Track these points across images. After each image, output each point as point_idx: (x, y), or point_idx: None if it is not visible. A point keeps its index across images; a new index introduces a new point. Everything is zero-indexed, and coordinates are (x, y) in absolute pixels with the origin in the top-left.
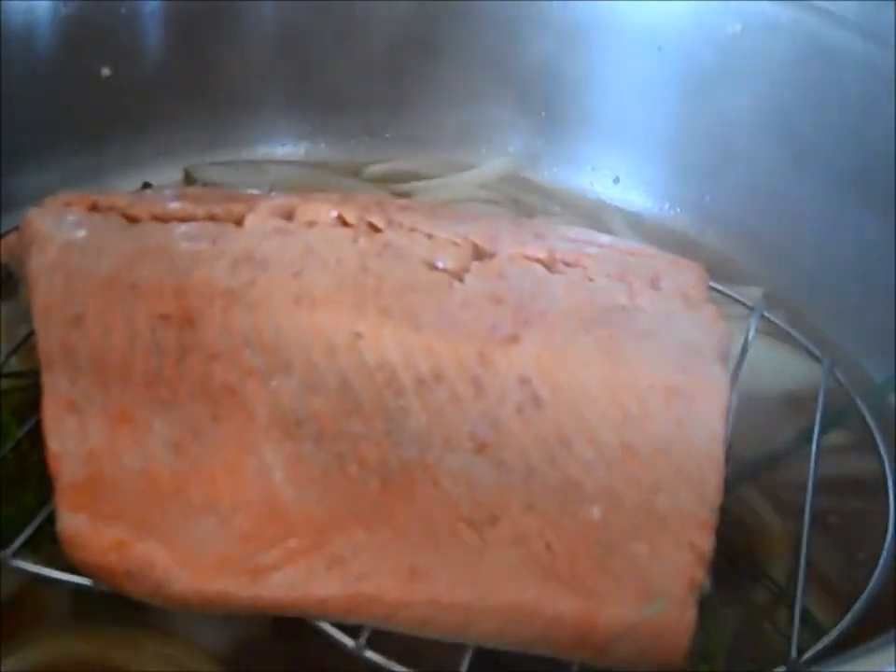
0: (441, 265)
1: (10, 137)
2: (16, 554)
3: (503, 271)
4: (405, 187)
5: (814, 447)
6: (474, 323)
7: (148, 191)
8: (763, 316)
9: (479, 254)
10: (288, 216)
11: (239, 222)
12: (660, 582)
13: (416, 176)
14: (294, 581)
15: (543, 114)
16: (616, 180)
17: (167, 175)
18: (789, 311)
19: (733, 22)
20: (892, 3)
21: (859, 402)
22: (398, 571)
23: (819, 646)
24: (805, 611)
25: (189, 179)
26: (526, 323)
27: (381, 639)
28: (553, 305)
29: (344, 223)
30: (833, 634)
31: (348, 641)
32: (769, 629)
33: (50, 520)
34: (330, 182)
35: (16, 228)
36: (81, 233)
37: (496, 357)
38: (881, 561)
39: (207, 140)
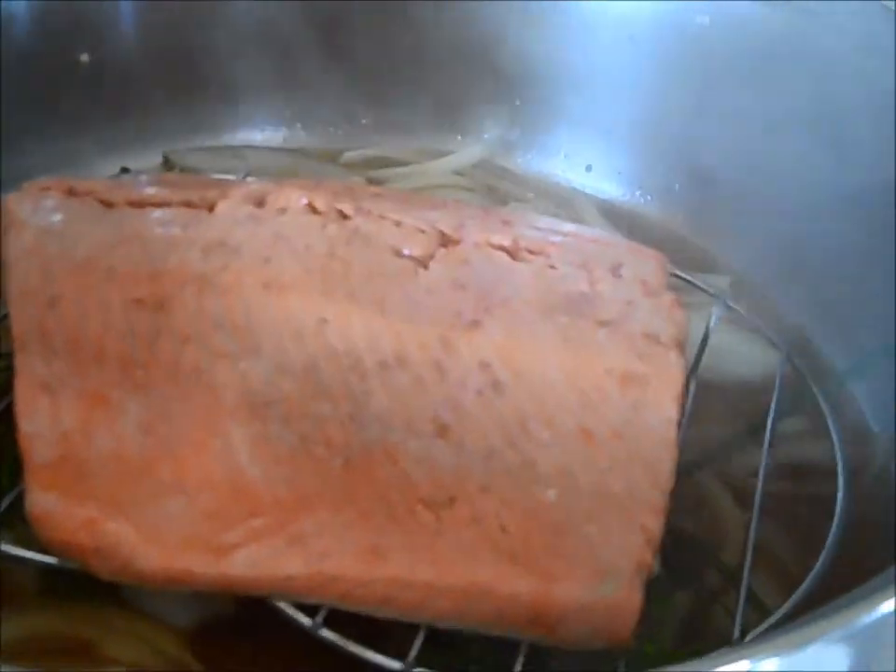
0: (407, 252)
1: None
2: None
3: (468, 258)
4: (382, 173)
5: (767, 433)
6: (438, 309)
7: (125, 177)
8: (726, 305)
9: (445, 241)
10: (260, 202)
11: (212, 208)
12: (610, 563)
13: (393, 163)
14: (257, 559)
15: (518, 102)
16: (588, 168)
17: (146, 159)
18: (756, 298)
19: (702, 14)
20: None
21: (815, 390)
22: (359, 551)
23: (763, 626)
24: (751, 593)
25: (168, 164)
26: (488, 309)
27: (338, 621)
28: (515, 292)
29: (315, 210)
30: (778, 614)
31: (305, 620)
32: (719, 612)
33: (21, 500)
34: (308, 168)
35: None
36: (58, 218)
37: (458, 342)
38: (826, 543)
39: (186, 126)
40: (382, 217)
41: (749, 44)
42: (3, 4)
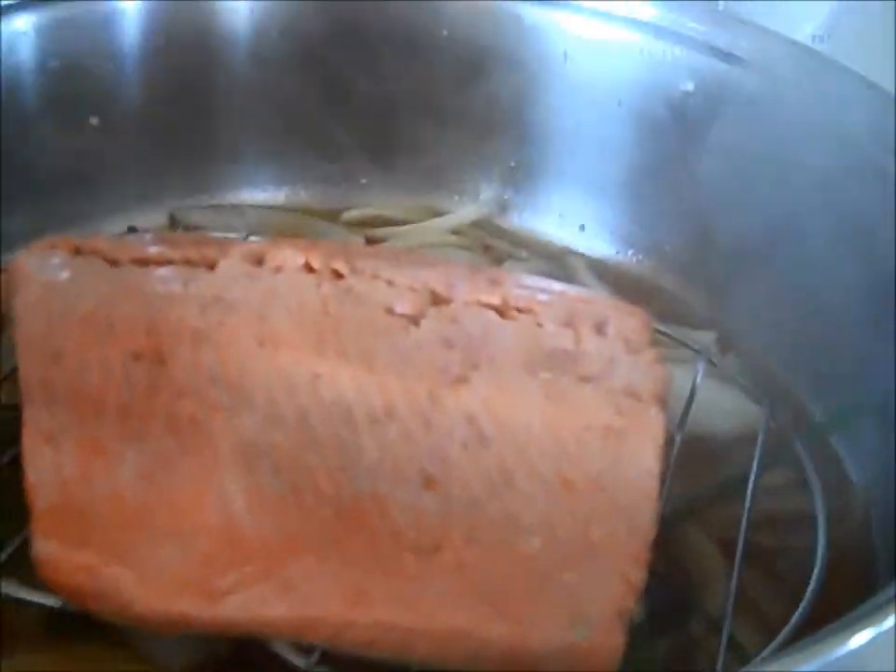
0: (398, 310)
1: (2, 182)
2: None
3: (457, 316)
4: (381, 231)
5: (750, 486)
6: (426, 365)
7: (131, 236)
8: (710, 361)
9: (436, 300)
10: (258, 261)
11: (212, 266)
12: (589, 609)
13: (392, 222)
14: (247, 603)
15: (512, 163)
16: (581, 227)
17: (153, 218)
18: (742, 354)
19: (685, 81)
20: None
21: (797, 444)
22: (343, 596)
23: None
24: (733, 639)
25: (173, 223)
26: (475, 366)
27: (333, 660)
28: (502, 349)
29: (310, 269)
30: (757, 660)
31: (299, 660)
32: (702, 658)
33: (26, 545)
34: (309, 226)
35: (2, 269)
36: (64, 275)
37: (445, 396)
38: (807, 592)
39: (191, 185)
40: (375, 277)
41: (730, 110)
42: (15, 71)
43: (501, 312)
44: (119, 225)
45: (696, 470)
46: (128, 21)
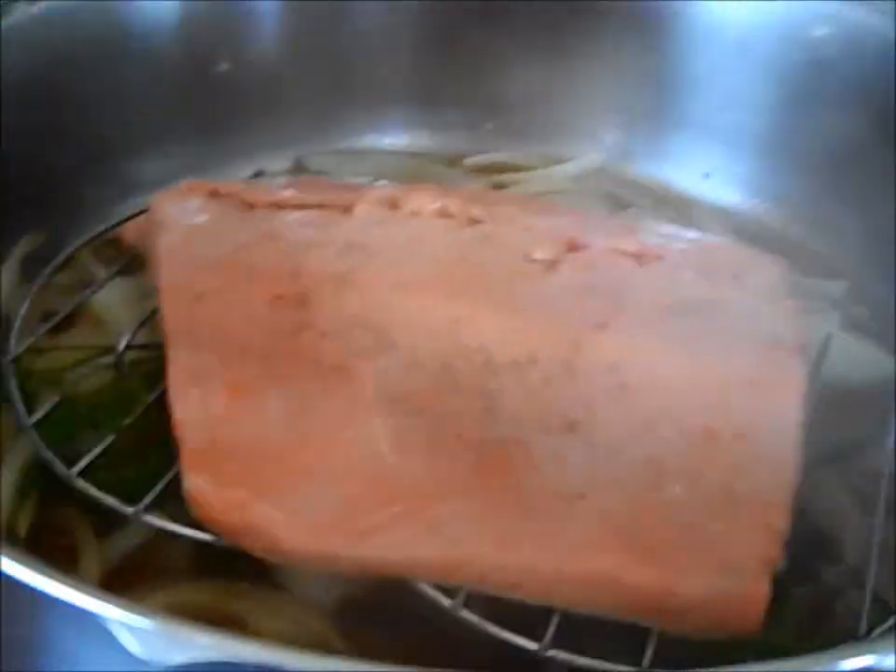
0: (537, 256)
1: (135, 126)
2: (145, 510)
3: (595, 262)
4: (504, 178)
5: (892, 437)
6: (567, 311)
7: (262, 179)
8: (845, 310)
9: (572, 246)
10: (393, 205)
11: (347, 210)
12: (736, 558)
13: (514, 168)
14: (396, 543)
15: (636, 110)
16: (706, 175)
17: (279, 162)
18: (873, 304)
19: (821, 25)
20: None
21: None
22: (491, 538)
23: (889, 623)
24: (875, 592)
25: (298, 167)
26: (616, 312)
27: (477, 602)
28: (640, 296)
29: (446, 214)
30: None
31: (445, 601)
32: (841, 608)
33: (174, 480)
34: (432, 171)
35: (142, 211)
36: (203, 218)
37: (586, 343)
38: None
39: (316, 130)
40: (511, 222)
41: (869, 58)
42: (151, 16)
43: (638, 259)
44: (245, 170)
45: (831, 421)
46: None
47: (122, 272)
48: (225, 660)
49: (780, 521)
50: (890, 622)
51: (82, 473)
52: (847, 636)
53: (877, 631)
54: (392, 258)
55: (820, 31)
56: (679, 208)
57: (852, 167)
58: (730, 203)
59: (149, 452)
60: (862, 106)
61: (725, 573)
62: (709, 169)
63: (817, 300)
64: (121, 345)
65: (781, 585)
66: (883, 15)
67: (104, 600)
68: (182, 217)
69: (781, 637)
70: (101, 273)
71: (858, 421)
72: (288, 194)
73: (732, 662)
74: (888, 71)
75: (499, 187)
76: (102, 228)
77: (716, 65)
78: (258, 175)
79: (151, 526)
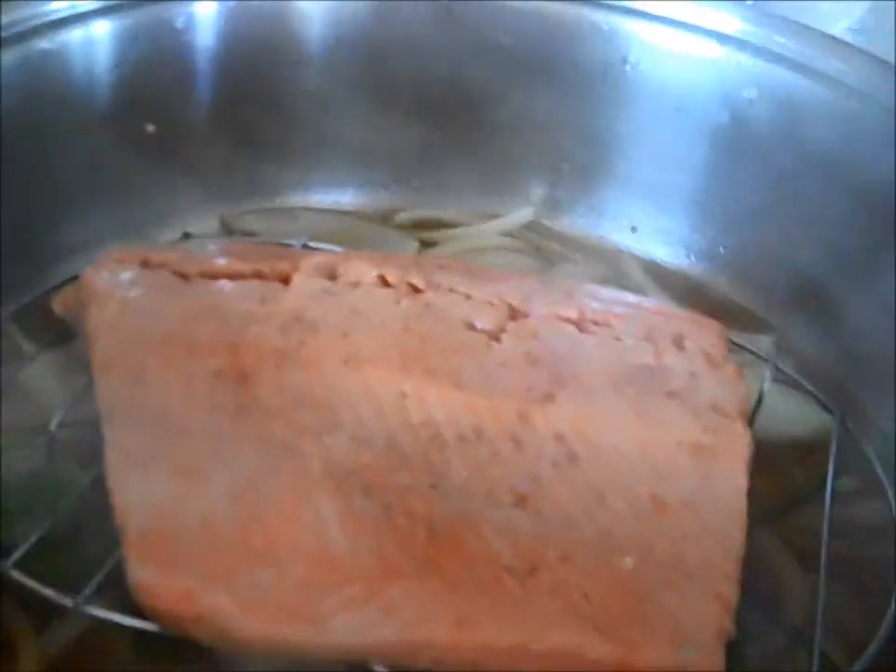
0: (479, 325)
1: (58, 190)
2: (86, 601)
3: (537, 331)
4: (434, 234)
5: (828, 493)
6: (512, 382)
7: (194, 244)
8: (775, 367)
9: (514, 314)
10: (331, 275)
11: (285, 280)
12: (690, 630)
13: (445, 224)
14: (351, 627)
15: (565, 166)
16: (633, 229)
17: (205, 223)
18: (799, 356)
19: (750, 87)
20: None
21: (868, 451)
22: (447, 619)
23: None
24: (823, 653)
25: (225, 227)
26: (561, 383)
27: None
28: (585, 365)
29: (386, 283)
30: None
31: None
32: (789, 668)
33: (115, 567)
34: (361, 229)
35: (70, 280)
36: (136, 292)
37: (533, 414)
38: (892, 605)
39: (241, 190)
40: (451, 291)
41: (795, 119)
42: (72, 78)
43: (579, 326)
44: (173, 231)
45: (766, 478)
46: (182, 27)
47: (51, 344)
48: None
49: (731, 591)
50: None
51: (18, 564)
52: None
53: None
54: (334, 332)
55: (749, 92)
56: (609, 261)
57: (776, 223)
58: (657, 256)
59: (87, 538)
60: (786, 165)
61: (681, 646)
62: (636, 223)
63: (746, 354)
64: (53, 424)
65: (731, 650)
66: (813, 77)
67: None
68: (115, 290)
69: None
70: (27, 346)
71: (790, 477)
72: (222, 263)
73: None
74: (815, 135)
75: (430, 243)
76: (27, 298)
77: (645, 123)
78: (186, 236)
79: (93, 618)
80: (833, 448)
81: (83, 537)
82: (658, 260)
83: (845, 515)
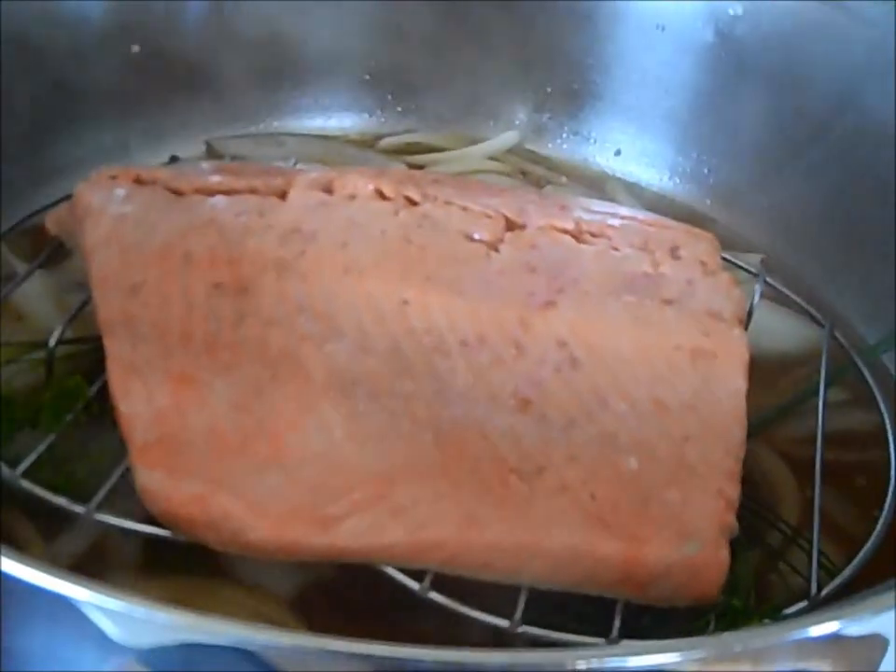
0: (477, 236)
1: (46, 111)
2: (97, 509)
3: (535, 241)
4: (419, 158)
5: (821, 402)
6: (512, 290)
7: (186, 165)
8: (765, 281)
9: (511, 225)
10: (327, 189)
11: (281, 195)
12: (695, 526)
13: (429, 149)
14: (361, 529)
15: (549, 89)
16: (617, 152)
17: (191, 147)
18: (786, 275)
19: (734, 4)
20: None
21: (858, 361)
22: (456, 519)
23: (836, 583)
24: (819, 553)
25: (211, 152)
26: (561, 290)
27: (443, 583)
28: (583, 273)
29: (383, 196)
30: (846, 573)
31: (413, 584)
32: (785, 569)
33: (123, 476)
34: (347, 154)
35: (61, 199)
36: (131, 207)
37: (534, 321)
38: (886, 506)
39: (226, 114)
40: (448, 203)
41: (781, 37)
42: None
43: (576, 236)
44: (159, 155)
45: (757, 390)
46: None
47: (43, 264)
48: (200, 641)
49: (733, 488)
50: (837, 581)
51: (26, 474)
52: (799, 597)
53: (826, 590)
54: (334, 242)
55: (735, 9)
56: (594, 184)
57: (761, 143)
58: (641, 178)
59: (94, 448)
60: (772, 86)
61: (686, 541)
62: (620, 146)
63: (736, 271)
64: (52, 341)
65: (732, 550)
66: None
67: (77, 583)
68: (109, 206)
69: (738, 600)
70: (20, 265)
71: (781, 388)
72: (216, 180)
73: (695, 628)
74: (799, 52)
75: (416, 168)
76: (18, 219)
77: (629, 44)
78: (173, 160)
79: (103, 525)
80: (825, 358)
81: (90, 447)
82: (643, 183)
83: (836, 424)
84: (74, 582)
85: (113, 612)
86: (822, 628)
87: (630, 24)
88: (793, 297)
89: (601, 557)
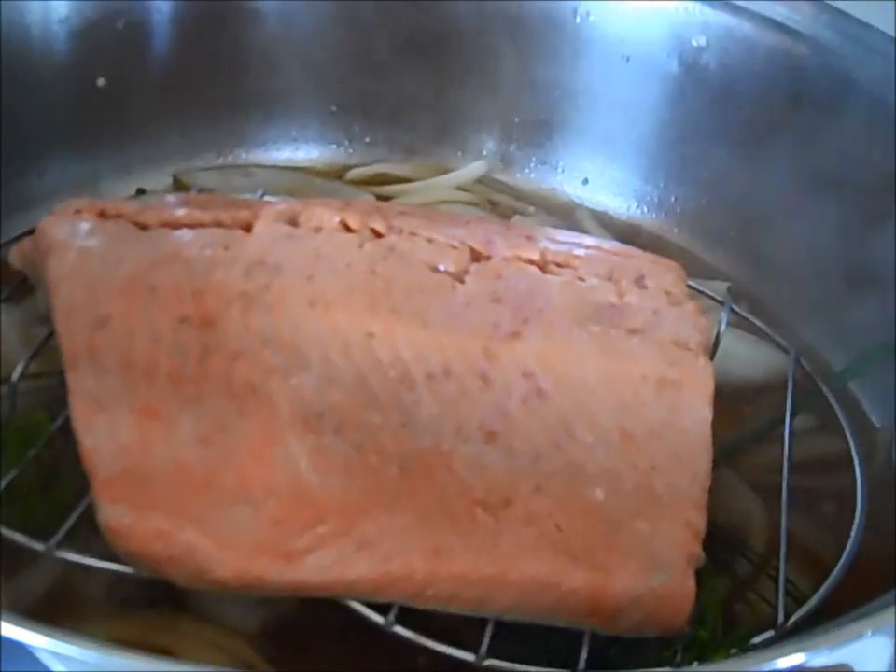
0: (442, 268)
1: (10, 144)
2: (58, 546)
3: (500, 272)
4: (388, 189)
5: (787, 429)
6: (478, 321)
7: (151, 197)
8: (731, 310)
9: (476, 256)
10: (293, 221)
11: (246, 228)
12: (662, 556)
13: (397, 179)
14: (326, 563)
15: (516, 119)
16: (585, 181)
17: (157, 179)
18: (751, 302)
19: (699, 34)
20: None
21: (823, 388)
22: (422, 551)
23: (803, 611)
24: (787, 581)
25: (178, 184)
26: (526, 321)
27: (408, 616)
28: (549, 304)
29: (348, 228)
30: (813, 601)
31: (378, 618)
32: (753, 597)
33: (85, 512)
34: (315, 185)
35: (25, 233)
36: (96, 240)
37: (500, 352)
38: (853, 532)
39: (194, 145)
40: (413, 234)
41: (745, 66)
42: (25, 32)
43: (541, 267)
44: (126, 187)
45: (724, 417)
46: None
47: (7, 298)
48: None
49: (699, 518)
50: (804, 610)
51: None
52: (766, 625)
53: (794, 618)
54: (300, 274)
55: (699, 40)
56: (562, 214)
57: (727, 171)
58: (609, 207)
59: (56, 484)
60: (738, 115)
61: (653, 572)
62: (588, 175)
63: (703, 300)
64: (15, 375)
65: (698, 579)
66: (761, 23)
67: (35, 630)
68: (74, 240)
69: (705, 630)
70: None
71: (748, 416)
72: (181, 213)
73: (662, 659)
74: (765, 81)
75: (383, 198)
76: None
77: (595, 74)
78: (139, 192)
79: (65, 562)
80: (791, 386)
81: (52, 483)
82: (611, 211)
83: (803, 451)
84: (32, 630)
85: (74, 660)
86: (789, 660)
87: (596, 55)
88: (759, 324)
89: (568, 589)
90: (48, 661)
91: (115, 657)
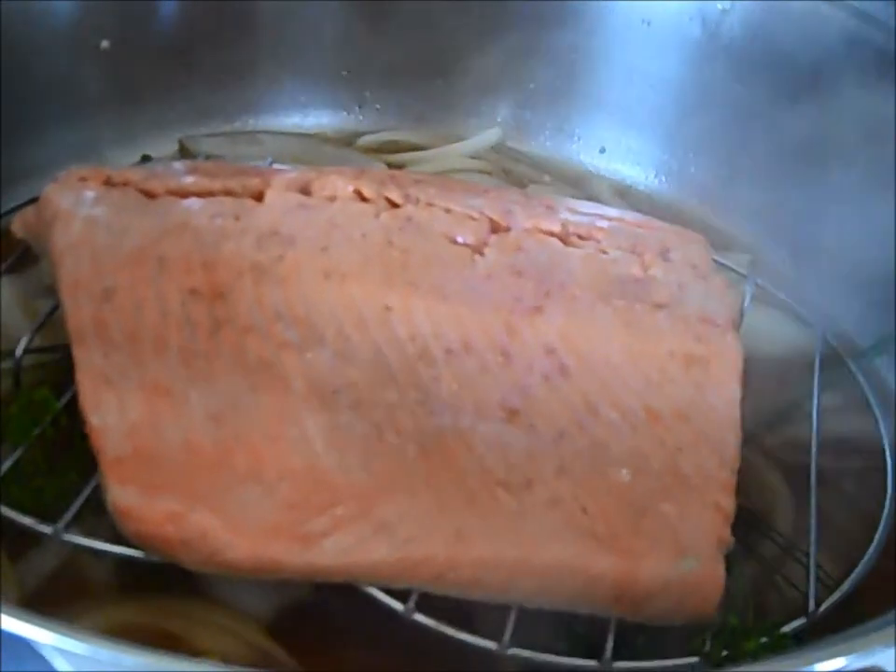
0: (461, 239)
1: (11, 110)
2: (65, 529)
3: (521, 244)
4: (399, 157)
5: (815, 408)
6: (498, 295)
7: (158, 165)
8: (756, 283)
9: (496, 227)
10: (305, 190)
11: (257, 197)
12: (691, 541)
13: (409, 147)
14: (344, 547)
15: (532, 85)
16: (602, 150)
17: (163, 146)
18: (772, 276)
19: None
20: None
21: (851, 365)
22: (443, 535)
23: (834, 598)
24: (817, 565)
25: (184, 151)
26: (548, 295)
27: (428, 604)
28: (571, 277)
29: (363, 198)
30: (845, 587)
31: (397, 605)
32: (782, 581)
33: (92, 493)
34: (325, 152)
35: (28, 202)
36: (102, 209)
37: (521, 327)
38: (883, 514)
39: (200, 111)
40: (430, 205)
41: (771, 32)
42: None
43: (563, 239)
44: (130, 154)
45: (749, 395)
46: None
47: (10, 269)
48: None
49: (728, 501)
50: (835, 596)
51: None
52: (792, 612)
53: (825, 606)
54: (314, 245)
55: (723, 3)
56: (578, 183)
57: (748, 140)
58: (626, 176)
59: (63, 464)
60: (759, 81)
61: (682, 557)
62: (605, 144)
63: (724, 273)
64: (19, 350)
65: (727, 564)
66: None
67: (35, 624)
68: (79, 209)
69: (735, 617)
70: None
71: (773, 393)
72: (189, 181)
73: (690, 648)
74: (789, 47)
75: (395, 167)
76: None
77: (613, 40)
78: (145, 159)
79: (72, 546)
80: (818, 362)
81: (59, 462)
82: (628, 181)
83: (829, 430)
84: (33, 623)
85: (75, 655)
86: (829, 664)
87: (615, 19)
88: (784, 298)
89: (594, 574)
90: (51, 657)
91: (126, 656)
